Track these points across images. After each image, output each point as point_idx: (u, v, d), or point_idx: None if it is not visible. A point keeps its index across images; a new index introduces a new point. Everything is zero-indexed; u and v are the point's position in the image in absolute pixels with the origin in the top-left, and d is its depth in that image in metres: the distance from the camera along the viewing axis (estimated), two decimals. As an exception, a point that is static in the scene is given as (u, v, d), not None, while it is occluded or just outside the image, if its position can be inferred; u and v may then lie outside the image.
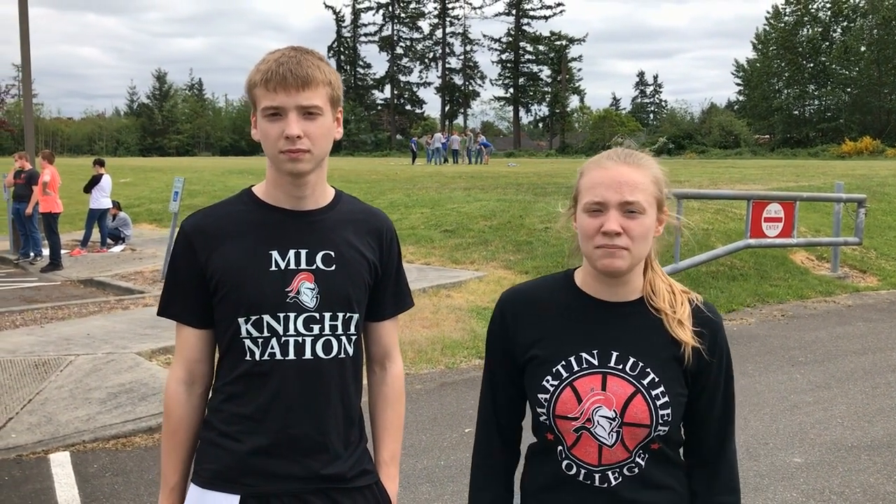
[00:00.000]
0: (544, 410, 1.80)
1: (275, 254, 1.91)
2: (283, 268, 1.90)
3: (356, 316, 1.97)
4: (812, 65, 67.57)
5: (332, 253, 1.94)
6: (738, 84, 76.76)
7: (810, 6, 67.40)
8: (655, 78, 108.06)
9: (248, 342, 1.89)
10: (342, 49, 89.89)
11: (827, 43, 67.07)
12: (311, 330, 1.90)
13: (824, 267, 12.89)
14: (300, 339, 1.90)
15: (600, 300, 1.85)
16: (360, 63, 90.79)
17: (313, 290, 1.91)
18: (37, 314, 9.72)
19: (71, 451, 5.45)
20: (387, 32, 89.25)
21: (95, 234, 15.92)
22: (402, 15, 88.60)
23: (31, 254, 14.63)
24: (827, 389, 6.84)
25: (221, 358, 1.97)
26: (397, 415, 2.15)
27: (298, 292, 1.90)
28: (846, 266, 12.96)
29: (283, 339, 1.89)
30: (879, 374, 7.34)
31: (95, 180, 15.73)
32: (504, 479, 2.00)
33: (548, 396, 1.79)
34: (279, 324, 1.88)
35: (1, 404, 6.20)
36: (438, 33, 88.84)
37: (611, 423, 1.75)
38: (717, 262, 11.66)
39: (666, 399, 1.76)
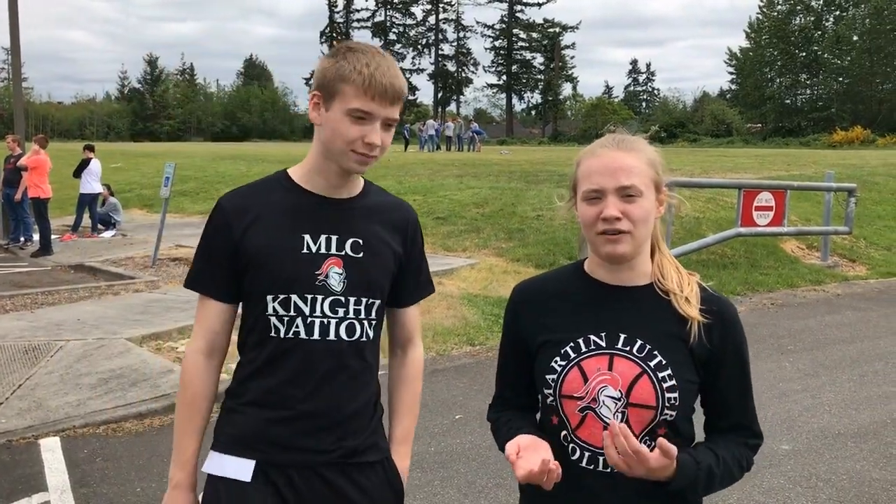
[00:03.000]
0: (551, 391, 1.83)
1: (307, 237, 1.98)
2: (314, 251, 1.97)
3: (379, 302, 2.05)
4: (804, 54, 67.68)
5: (361, 241, 2.02)
6: (730, 73, 76.89)
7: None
8: (648, 66, 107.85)
9: (273, 319, 1.96)
10: (334, 35, 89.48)
11: (819, 32, 67.17)
12: (337, 313, 1.98)
13: (814, 256, 12.96)
14: (325, 320, 1.97)
15: (610, 285, 1.87)
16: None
17: (341, 274, 1.98)
18: (27, 299, 9.69)
19: (61, 436, 5.45)
20: (379, 18, 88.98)
21: (86, 220, 15.86)
22: (395, 1, 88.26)
23: (22, 238, 14.57)
24: (815, 377, 6.89)
25: (248, 333, 2.03)
26: (413, 395, 2.25)
27: (327, 276, 1.97)
28: (836, 255, 13.02)
29: (309, 319, 1.96)
30: (867, 362, 7.39)
31: (84, 164, 15.66)
32: (530, 418, 2.01)
33: (555, 377, 1.82)
34: (306, 305, 1.96)
35: (-9, 389, 6.18)
36: (431, 19, 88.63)
37: (616, 404, 1.77)
38: (707, 251, 11.70)
39: (673, 382, 1.77)
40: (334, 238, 1.99)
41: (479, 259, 11.54)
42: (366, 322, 2.02)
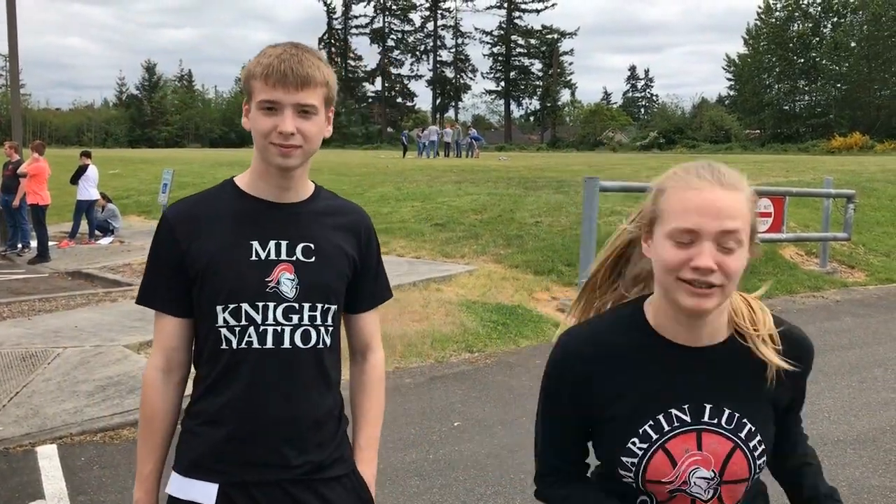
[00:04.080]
0: (631, 475, 1.64)
1: (255, 244, 1.94)
2: (263, 258, 1.93)
3: (334, 307, 2.01)
4: (802, 60, 67.82)
5: (312, 245, 1.98)
6: (728, 79, 76.98)
7: (801, 2, 67.62)
8: (647, 72, 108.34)
9: (224, 331, 1.92)
10: (333, 41, 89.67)
11: (817, 38, 67.33)
12: (291, 320, 1.93)
13: (813, 262, 12.97)
14: (279, 328, 1.92)
15: (684, 346, 1.65)
16: (351, 55, 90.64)
17: (293, 280, 1.94)
18: (24, 306, 9.68)
19: (58, 443, 5.44)
20: (378, 24, 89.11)
21: (84, 227, 15.86)
22: (394, 7, 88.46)
23: (20, 245, 14.56)
24: (814, 384, 6.86)
25: (200, 347, 1.99)
26: (376, 402, 2.19)
27: (278, 282, 1.93)
28: (835, 261, 13.03)
29: (262, 328, 1.91)
30: (866, 368, 7.40)
31: (81, 171, 15.67)
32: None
33: (636, 461, 1.62)
34: (258, 313, 1.91)
35: (-12, 397, 6.17)
36: (430, 26, 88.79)
37: (708, 483, 1.63)
38: None
39: (763, 448, 1.64)
40: (284, 243, 1.95)
41: (478, 265, 11.53)
42: (322, 328, 1.97)
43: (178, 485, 1.96)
